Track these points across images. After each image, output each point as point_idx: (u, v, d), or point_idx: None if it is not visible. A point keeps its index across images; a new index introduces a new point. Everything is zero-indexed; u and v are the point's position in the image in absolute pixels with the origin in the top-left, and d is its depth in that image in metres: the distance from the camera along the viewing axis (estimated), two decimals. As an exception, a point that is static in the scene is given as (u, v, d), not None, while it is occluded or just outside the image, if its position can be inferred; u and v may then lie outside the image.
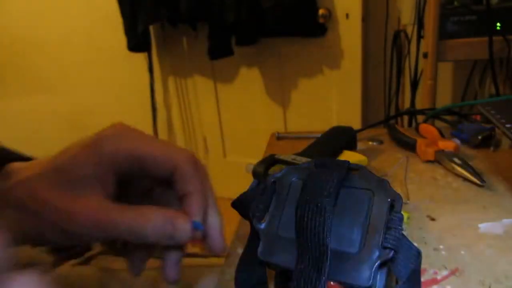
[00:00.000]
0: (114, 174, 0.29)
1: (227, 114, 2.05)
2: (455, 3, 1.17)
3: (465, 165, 0.63)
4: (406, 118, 1.55)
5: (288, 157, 0.52)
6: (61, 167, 0.30)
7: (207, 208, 0.30)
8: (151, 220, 0.27)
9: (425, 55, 1.17)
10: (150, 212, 0.28)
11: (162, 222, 0.27)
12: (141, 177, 0.32)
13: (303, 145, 0.74)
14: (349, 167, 0.27)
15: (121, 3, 1.74)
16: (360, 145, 0.81)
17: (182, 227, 0.27)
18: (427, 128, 0.78)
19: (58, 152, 0.32)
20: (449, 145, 0.69)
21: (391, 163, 0.58)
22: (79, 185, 0.29)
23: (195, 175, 0.30)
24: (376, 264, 0.24)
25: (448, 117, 0.88)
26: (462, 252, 0.45)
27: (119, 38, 1.81)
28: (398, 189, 0.26)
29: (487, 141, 0.74)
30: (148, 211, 0.28)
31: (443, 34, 1.14)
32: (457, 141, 0.75)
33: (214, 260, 0.52)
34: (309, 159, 0.29)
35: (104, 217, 0.27)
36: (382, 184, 0.26)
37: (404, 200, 0.28)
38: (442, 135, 0.74)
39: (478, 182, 0.60)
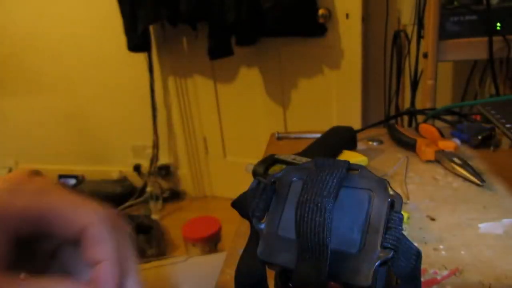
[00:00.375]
0: (5, 234, 0.24)
1: (227, 114, 2.05)
2: (455, 3, 1.17)
3: (465, 165, 0.63)
4: (406, 118, 1.55)
5: (288, 157, 0.52)
6: None
7: (123, 278, 0.25)
8: None
9: (425, 55, 1.17)
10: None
11: None
12: (46, 237, 0.27)
13: (303, 145, 0.74)
14: (349, 167, 0.27)
15: (121, 3, 1.74)
16: (360, 145, 0.81)
17: None
18: (427, 128, 0.78)
19: None
20: (449, 145, 0.69)
21: (391, 163, 0.58)
22: None
23: (106, 239, 0.25)
24: (376, 264, 0.24)
25: (448, 117, 0.88)
26: (462, 252, 0.45)
27: (119, 38, 1.81)
28: (398, 189, 0.26)
29: (487, 141, 0.74)
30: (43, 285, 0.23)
31: (443, 34, 1.14)
32: (457, 141, 0.75)
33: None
34: (309, 159, 0.29)
35: None
36: (382, 184, 0.26)
37: (404, 200, 0.28)
38: (442, 135, 0.74)
39: (478, 182, 0.60)
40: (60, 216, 0.25)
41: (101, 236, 0.25)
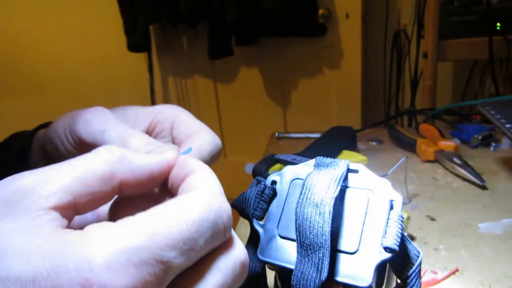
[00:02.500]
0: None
1: (227, 114, 2.05)
2: (455, 3, 1.17)
3: (465, 165, 0.63)
4: (406, 118, 1.56)
5: (288, 157, 0.52)
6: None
7: None
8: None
9: (425, 55, 1.18)
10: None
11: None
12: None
13: (303, 145, 0.75)
14: (349, 167, 0.27)
15: (121, 3, 1.74)
16: (360, 145, 0.81)
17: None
18: (427, 128, 0.78)
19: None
20: (449, 145, 0.69)
21: (391, 163, 0.58)
22: None
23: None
24: (376, 264, 0.24)
25: (448, 117, 0.88)
26: (462, 252, 0.45)
27: (119, 38, 1.81)
28: (398, 189, 0.26)
29: (487, 141, 0.74)
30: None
31: (443, 34, 1.14)
32: (457, 141, 0.75)
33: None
34: (309, 159, 0.29)
35: None
36: (382, 184, 0.26)
37: (404, 200, 0.28)
38: (442, 135, 0.74)
39: (478, 182, 0.60)
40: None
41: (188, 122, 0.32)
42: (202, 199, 0.20)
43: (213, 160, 0.30)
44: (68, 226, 0.19)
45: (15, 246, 0.16)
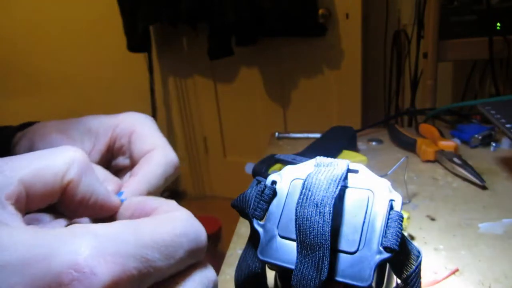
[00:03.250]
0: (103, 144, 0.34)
1: (227, 114, 2.05)
2: (455, 3, 1.17)
3: (465, 165, 0.63)
4: (406, 118, 1.56)
5: (288, 157, 0.52)
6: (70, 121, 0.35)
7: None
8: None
9: (425, 55, 1.18)
10: None
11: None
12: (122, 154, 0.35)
13: (303, 145, 0.75)
14: (349, 167, 0.27)
15: (121, 3, 1.74)
16: (360, 145, 0.81)
17: None
18: (427, 128, 0.78)
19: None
20: (449, 145, 0.69)
21: (391, 163, 0.58)
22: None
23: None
24: (376, 264, 0.24)
25: (448, 117, 0.88)
26: (462, 252, 0.45)
27: (119, 38, 1.81)
28: (398, 189, 0.26)
29: (487, 141, 0.74)
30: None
31: (443, 34, 1.14)
32: (457, 141, 0.75)
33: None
34: (309, 159, 0.29)
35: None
36: (382, 184, 0.26)
37: (404, 200, 0.28)
38: (442, 135, 0.74)
39: (478, 182, 0.60)
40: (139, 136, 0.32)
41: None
42: (183, 217, 0.21)
43: (167, 181, 0.30)
44: None
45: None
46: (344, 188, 0.27)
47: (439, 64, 1.17)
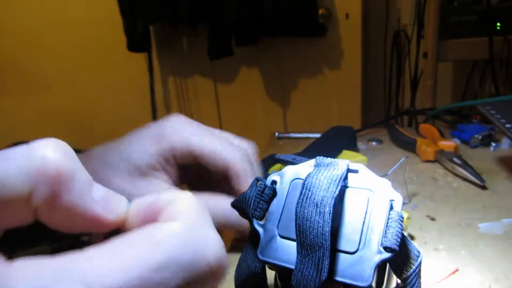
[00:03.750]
0: (175, 164, 0.33)
1: (227, 114, 2.05)
2: (455, 3, 1.17)
3: (465, 165, 0.63)
4: (406, 118, 1.56)
5: (288, 157, 0.52)
6: (126, 155, 0.32)
7: None
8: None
9: (425, 55, 1.17)
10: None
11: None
12: (198, 166, 0.34)
13: (303, 145, 0.74)
14: (349, 167, 0.27)
15: (121, 3, 1.74)
16: (360, 145, 0.81)
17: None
18: (427, 128, 0.78)
19: (114, 141, 0.35)
20: (449, 145, 0.69)
21: (391, 163, 0.58)
22: (149, 173, 0.31)
23: (247, 174, 0.32)
24: (376, 264, 0.24)
25: (448, 117, 0.88)
26: (462, 252, 0.45)
27: (119, 38, 1.81)
28: (398, 189, 0.26)
29: (487, 141, 0.74)
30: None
31: (443, 34, 1.14)
32: (457, 141, 0.75)
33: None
34: (309, 159, 0.29)
35: None
36: (382, 184, 0.26)
37: (404, 200, 0.28)
38: (442, 135, 0.74)
39: (478, 182, 0.60)
40: (209, 155, 0.32)
41: (243, 173, 0.32)
42: (175, 229, 0.15)
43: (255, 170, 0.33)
44: None
45: None
46: (344, 188, 0.27)
47: (439, 64, 1.17)
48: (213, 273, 0.15)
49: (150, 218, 0.17)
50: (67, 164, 0.15)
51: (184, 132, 0.34)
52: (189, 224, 0.15)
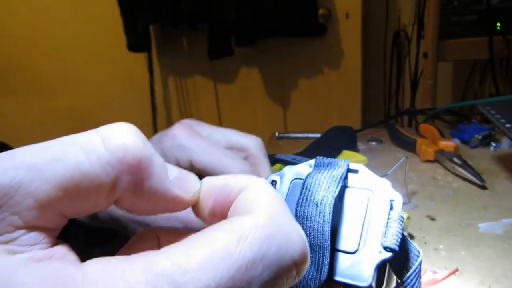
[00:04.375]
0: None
1: (227, 114, 2.05)
2: (455, 3, 1.17)
3: (465, 165, 0.63)
4: (406, 118, 1.56)
5: (288, 157, 0.52)
6: None
7: None
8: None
9: (425, 55, 1.17)
10: None
11: None
12: None
13: (303, 145, 0.75)
14: (349, 167, 0.27)
15: (121, 3, 1.74)
16: (360, 145, 0.81)
17: None
18: (427, 128, 0.78)
19: None
20: (449, 145, 0.69)
21: (391, 163, 0.58)
22: None
23: (264, 161, 0.34)
24: (376, 264, 0.24)
25: (448, 117, 0.88)
26: (462, 252, 0.45)
27: (119, 38, 1.81)
28: (398, 189, 0.26)
29: (487, 141, 0.74)
30: None
31: (443, 34, 1.14)
32: (457, 141, 0.75)
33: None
34: (309, 159, 0.29)
35: None
36: (382, 184, 0.26)
37: (404, 200, 0.28)
38: (442, 135, 0.74)
39: (478, 182, 0.60)
40: (211, 171, 0.31)
41: (261, 159, 0.33)
42: (257, 222, 0.14)
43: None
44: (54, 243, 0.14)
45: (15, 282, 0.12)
46: (344, 188, 0.27)
47: (439, 64, 1.17)
48: (298, 268, 0.14)
49: (222, 200, 0.17)
50: (145, 150, 0.15)
51: (185, 147, 0.33)
52: (269, 215, 0.14)
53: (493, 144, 0.73)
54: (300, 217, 0.25)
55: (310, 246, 0.24)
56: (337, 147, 0.69)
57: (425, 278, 0.41)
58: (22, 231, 0.13)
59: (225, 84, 1.98)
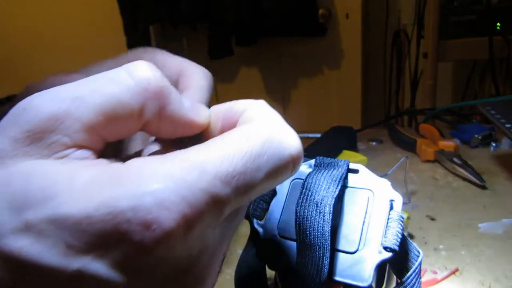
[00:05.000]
0: None
1: (227, 114, 2.05)
2: (455, 3, 1.17)
3: (465, 165, 0.63)
4: (406, 118, 1.56)
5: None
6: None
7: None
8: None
9: (425, 55, 1.18)
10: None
11: None
12: None
13: (303, 145, 0.74)
14: (349, 167, 0.27)
15: (121, 3, 1.74)
16: (360, 145, 0.81)
17: None
18: (427, 128, 0.78)
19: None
20: (449, 145, 0.69)
21: (391, 163, 0.58)
22: None
23: (203, 76, 0.30)
24: (376, 264, 0.24)
25: (448, 117, 0.88)
26: (462, 252, 0.45)
27: (119, 38, 1.81)
28: (398, 189, 0.26)
29: (487, 141, 0.74)
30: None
31: (443, 34, 1.14)
32: (457, 141, 0.75)
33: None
34: (309, 159, 0.29)
35: None
36: (382, 184, 0.26)
37: (404, 200, 0.28)
38: (442, 135, 0.74)
39: (478, 182, 0.60)
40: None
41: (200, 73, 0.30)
42: (260, 127, 0.18)
43: (210, 94, 0.29)
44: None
45: (57, 184, 0.15)
46: (344, 188, 0.27)
47: (439, 64, 1.17)
48: (294, 162, 0.18)
49: (229, 120, 0.20)
50: (164, 82, 0.18)
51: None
52: (269, 122, 0.18)
53: (493, 144, 0.73)
54: (300, 217, 0.25)
55: (310, 246, 0.24)
56: (337, 147, 0.69)
57: (425, 278, 0.41)
58: (73, 149, 0.16)
59: (225, 84, 1.98)
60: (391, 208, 0.26)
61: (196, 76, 0.28)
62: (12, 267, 0.14)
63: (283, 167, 0.18)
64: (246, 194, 0.17)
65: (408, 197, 0.58)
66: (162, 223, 0.14)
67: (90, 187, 0.15)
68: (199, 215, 0.15)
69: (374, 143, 0.82)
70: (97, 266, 0.14)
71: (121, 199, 0.14)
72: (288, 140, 0.18)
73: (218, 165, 0.16)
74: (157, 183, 0.15)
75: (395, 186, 0.26)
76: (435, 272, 0.42)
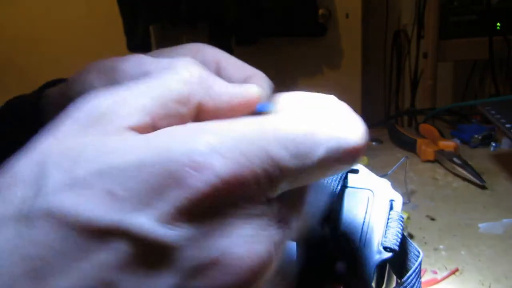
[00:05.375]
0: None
1: (227, 114, 2.05)
2: (455, 3, 1.17)
3: (465, 165, 0.63)
4: (406, 118, 1.56)
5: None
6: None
7: None
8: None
9: (425, 55, 1.17)
10: None
11: None
12: None
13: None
14: (349, 167, 0.27)
15: (121, 3, 1.74)
16: (360, 145, 0.81)
17: None
18: (427, 128, 0.78)
19: None
20: (449, 145, 0.69)
21: (391, 163, 0.58)
22: None
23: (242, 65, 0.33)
24: (376, 264, 0.24)
25: (448, 117, 0.89)
26: (462, 252, 0.46)
27: (119, 38, 1.81)
28: (398, 189, 0.26)
29: (487, 141, 0.74)
30: None
31: (443, 34, 1.14)
32: (457, 141, 0.75)
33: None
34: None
35: None
36: (382, 184, 0.26)
37: (404, 200, 0.28)
38: (442, 135, 0.74)
39: (478, 182, 0.60)
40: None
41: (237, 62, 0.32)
42: (326, 111, 0.19)
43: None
44: None
45: (110, 144, 0.15)
46: (344, 188, 0.27)
47: (439, 64, 1.17)
48: (354, 153, 0.18)
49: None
50: (206, 70, 0.20)
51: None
52: (338, 108, 0.21)
53: (493, 144, 0.73)
54: (300, 217, 0.25)
55: (310, 246, 0.24)
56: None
57: (425, 278, 0.41)
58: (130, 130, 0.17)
59: (225, 84, 1.98)
60: (391, 208, 0.26)
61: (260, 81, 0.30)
62: (65, 227, 0.14)
63: (346, 155, 0.17)
64: (302, 170, 0.16)
65: (408, 197, 0.58)
66: (216, 168, 0.14)
67: (143, 142, 0.15)
68: (252, 169, 0.15)
69: (374, 143, 0.82)
70: (147, 222, 0.14)
71: (175, 147, 0.15)
72: (354, 129, 0.19)
73: (276, 127, 0.16)
74: (215, 135, 0.15)
75: (395, 186, 0.26)
76: (435, 272, 0.42)
